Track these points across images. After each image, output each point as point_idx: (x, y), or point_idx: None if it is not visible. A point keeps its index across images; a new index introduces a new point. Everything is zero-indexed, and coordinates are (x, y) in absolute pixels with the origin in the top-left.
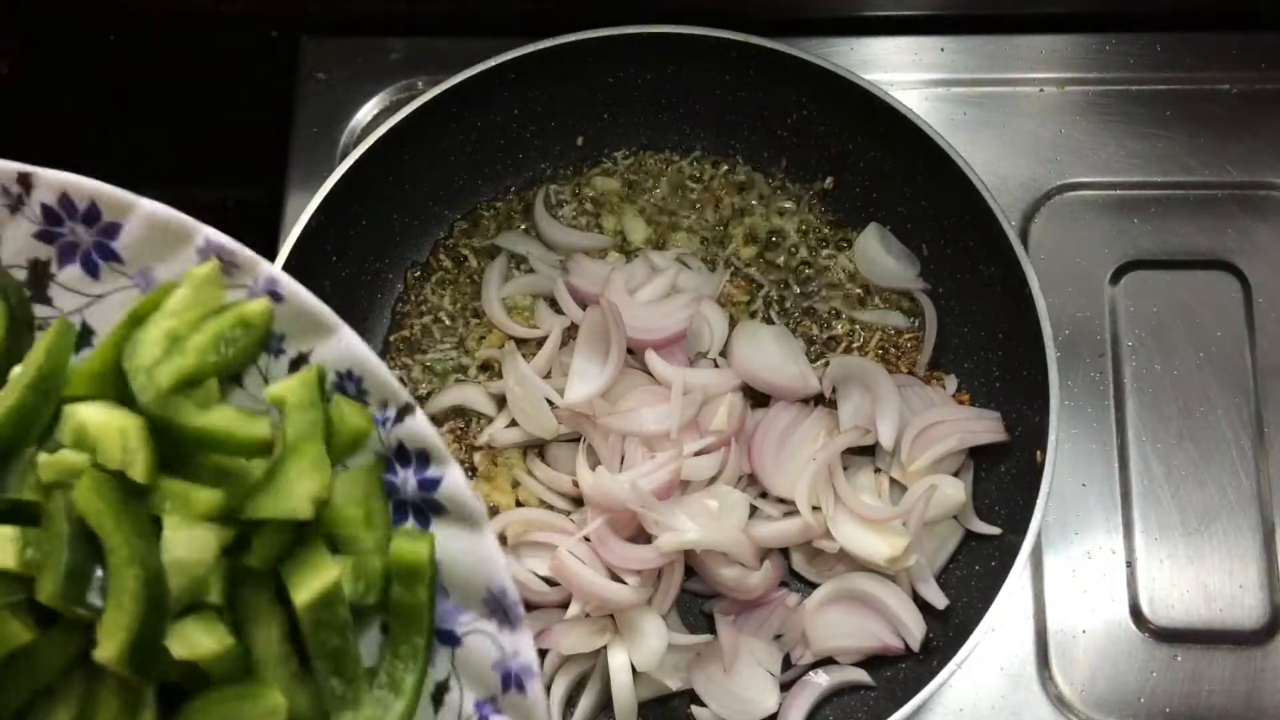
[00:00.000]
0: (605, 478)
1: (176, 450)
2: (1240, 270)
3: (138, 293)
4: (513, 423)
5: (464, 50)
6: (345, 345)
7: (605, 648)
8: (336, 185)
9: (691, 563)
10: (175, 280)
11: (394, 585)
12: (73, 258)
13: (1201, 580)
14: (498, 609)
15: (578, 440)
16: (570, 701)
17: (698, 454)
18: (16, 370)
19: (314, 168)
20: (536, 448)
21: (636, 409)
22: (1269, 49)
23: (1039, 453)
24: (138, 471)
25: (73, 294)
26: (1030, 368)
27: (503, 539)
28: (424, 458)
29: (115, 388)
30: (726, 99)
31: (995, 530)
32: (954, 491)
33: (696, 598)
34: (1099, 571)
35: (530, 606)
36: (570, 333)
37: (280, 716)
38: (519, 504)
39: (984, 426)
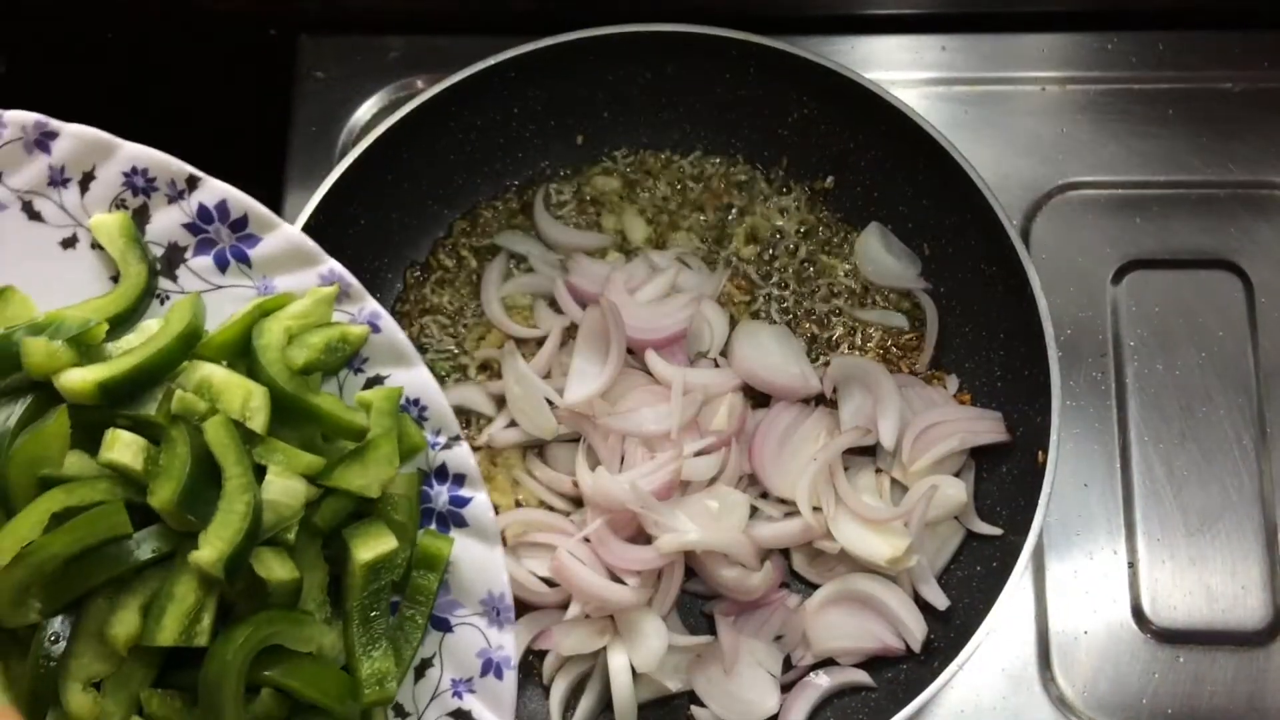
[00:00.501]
0: (605, 478)
1: (281, 419)
2: (1242, 270)
3: (255, 294)
4: (512, 423)
5: (463, 48)
6: (419, 378)
7: (605, 649)
8: (335, 184)
9: (692, 564)
10: (293, 291)
11: (414, 570)
12: (208, 251)
13: (1204, 581)
14: (492, 610)
15: (577, 440)
16: (570, 702)
17: (698, 454)
18: (152, 323)
19: (312, 167)
20: (536, 448)
21: (636, 409)
22: (1271, 47)
23: (1040, 453)
24: (258, 425)
25: (197, 279)
26: (1032, 368)
27: (502, 539)
28: (460, 479)
29: (233, 358)
30: (727, 98)
31: (997, 531)
32: (955, 492)
33: (697, 599)
34: (1101, 572)
35: (530, 607)
36: (570, 332)
37: (313, 645)
38: (518, 504)
39: (985, 426)
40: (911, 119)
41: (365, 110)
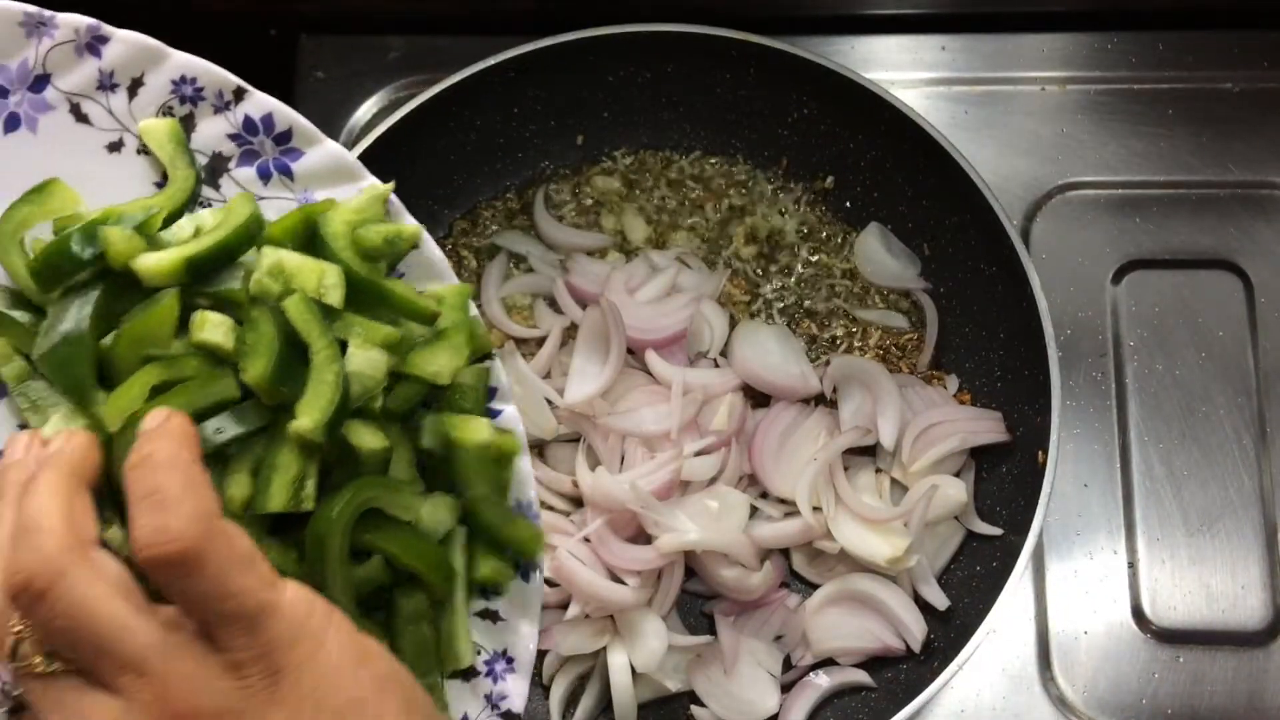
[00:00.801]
0: (605, 478)
1: (354, 302)
2: (1243, 270)
3: (295, 205)
4: None
5: (463, 48)
6: None
7: (605, 649)
8: None
9: (692, 564)
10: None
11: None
12: (251, 162)
13: (1204, 581)
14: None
15: (577, 440)
16: (570, 702)
17: (698, 454)
18: (205, 214)
19: None
20: (536, 448)
21: (636, 409)
22: (1271, 47)
23: (1040, 453)
24: (335, 299)
25: (240, 189)
26: (1032, 368)
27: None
28: (492, 393)
29: (296, 247)
30: (727, 98)
31: (997, 531)
32: (955, 492)
33: (697, 598)
34: (1101, 572)
35: None
36: (570, 332)
37: (411, 513)
38: None
39: (985, 426)
40: (912, 119)
41: (365, 110)
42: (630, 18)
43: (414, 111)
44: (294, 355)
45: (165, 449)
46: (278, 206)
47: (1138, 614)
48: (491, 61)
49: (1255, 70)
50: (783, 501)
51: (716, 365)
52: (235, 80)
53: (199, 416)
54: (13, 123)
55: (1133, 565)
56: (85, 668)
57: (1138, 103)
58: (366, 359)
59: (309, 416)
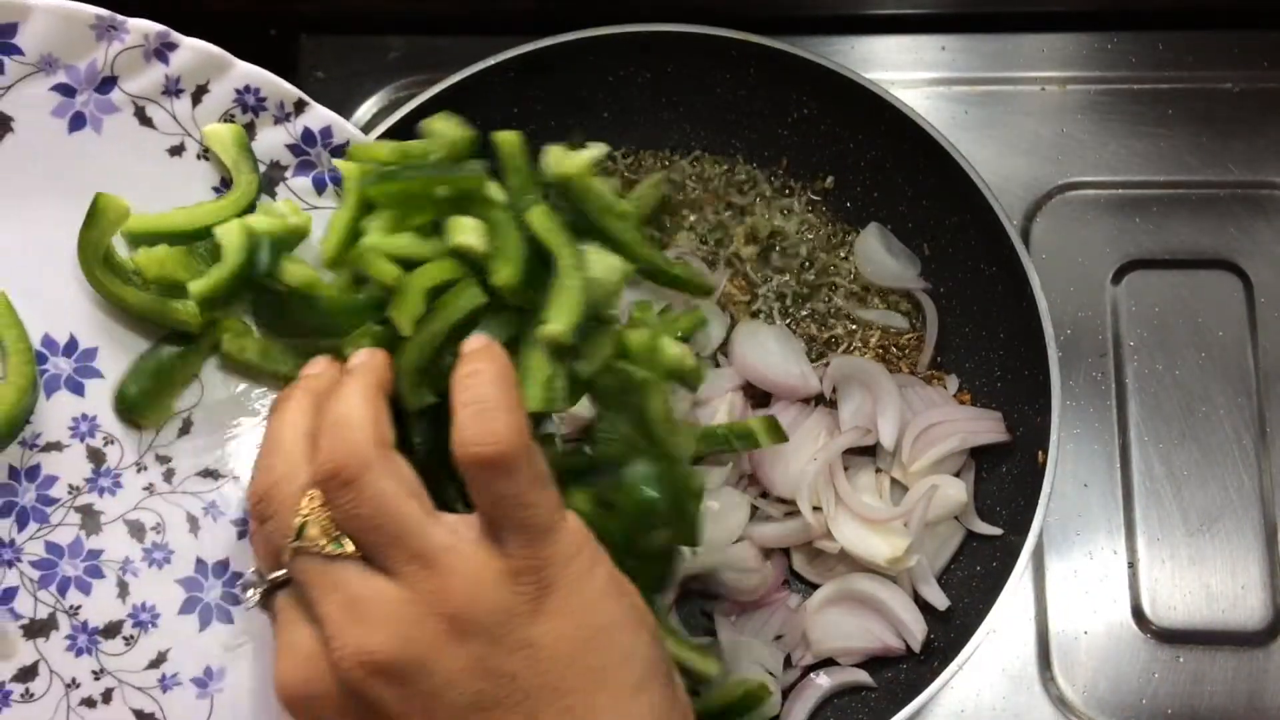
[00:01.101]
0: None
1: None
2: (1243, 270)
3: None
4: None
5: (463, 48)
6: None
7: None
8: None
9: None
10: None
11: None
12: (307, 173)
13: (1204, 581)
14: None
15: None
16: None
17: None
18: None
19: None
20: None
21: None
22: (1271, 47)
23: (1040, 453)
24: (606, 187)
25: (296, 198)
26: (1032, 368)
27: None
28: None
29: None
30: (727, 98)
31: (997, 531)
32: (955, 492)
33: (697, 598)
34: (1101, 572)
35: None
36: None
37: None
38: None
39: (985, 426)
40: (912, 119)
41: (366, 110)
42: (630, 18)
43: (414, 111)
44: (537, 262)
45: (490, 369)
46: (327, 217)
47: (1138, 614)
48: (491, 61)
49: (1255, 70)
50: (783, 501)
51: (717, 365)
52: (296, 92)
53: (459, 327)
54: (78, 121)
55: (1133, 565)
56: (372, 554)
57: (1138, 103)
58: (605, 265)
59: (559, 321)
